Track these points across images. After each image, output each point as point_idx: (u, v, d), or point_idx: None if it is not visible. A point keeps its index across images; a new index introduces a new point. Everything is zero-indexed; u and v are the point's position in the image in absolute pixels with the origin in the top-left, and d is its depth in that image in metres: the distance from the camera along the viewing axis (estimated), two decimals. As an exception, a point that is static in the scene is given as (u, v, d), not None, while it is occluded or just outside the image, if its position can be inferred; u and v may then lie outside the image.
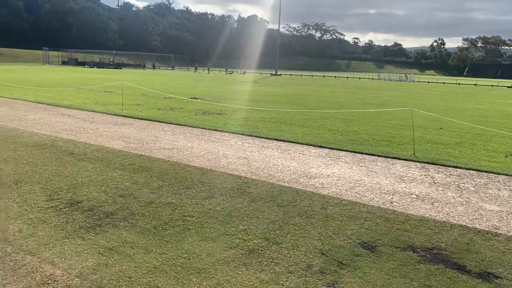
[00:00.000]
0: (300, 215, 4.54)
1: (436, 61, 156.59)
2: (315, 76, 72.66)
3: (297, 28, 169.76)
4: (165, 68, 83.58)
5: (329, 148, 8.25)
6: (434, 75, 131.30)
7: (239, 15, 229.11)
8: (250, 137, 9.21)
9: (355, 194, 5.37)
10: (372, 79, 70.94)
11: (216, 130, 9.90)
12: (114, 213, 4.41)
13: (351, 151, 8.02)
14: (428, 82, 66.84)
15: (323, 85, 39.62)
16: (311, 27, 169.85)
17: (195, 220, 4.29)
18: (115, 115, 11.69)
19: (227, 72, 68.59)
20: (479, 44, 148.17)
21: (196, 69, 73.65)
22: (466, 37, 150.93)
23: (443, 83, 64.80)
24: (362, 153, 7.91)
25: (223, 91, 23.73)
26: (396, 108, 16.97)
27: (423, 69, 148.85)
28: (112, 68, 64.51)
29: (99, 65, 68.38)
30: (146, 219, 4.27)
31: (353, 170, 6.60)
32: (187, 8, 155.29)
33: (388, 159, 7.50)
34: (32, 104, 13.42)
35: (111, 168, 6.18)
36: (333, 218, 4.51)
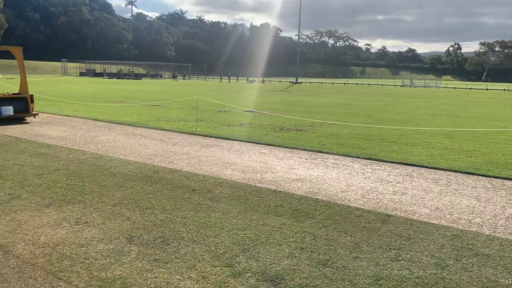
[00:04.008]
0: None
1: (453, 66, 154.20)
2: (336, 84, 71.15)
3: (309, 35, 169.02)
4: (181, 78, 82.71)
5: (478, 175, 6.79)
6: (452, 80, 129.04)
7: (251, 23, 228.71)
8: (369, 160, 7.79)
9: None
10: (396, 85, 69.24)
11: (321, 152, 8.51)
12: (349, 300, 3.01)
13: (508, 179, 6.56)
14: (454, 88, 64.92)
15: (360, 93, 38.12)
16: (323, 34, 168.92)
17: (481, 314, 2.87)
18: (190, 134, 10.37)
19: (248, 81, 67.45)
20: (497, 48, 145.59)
21: (221, 78, 73.51)
22: (483, 41, 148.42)
23: (470, 88, 62.87)
24: (530, 182, 6.44)
25: (267, 102, 22.41)
26: (500, 129, 15.44)
27: (439, 74, 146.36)
28: (131, 79, 63.76)
29: (119, 76, 67.73)
30: (407, 313, 2.86)
31: (560, 210, 5.14)
32: (200, 17, 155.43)
33: None
34: (90, 122, 12.17)
35: (260, 212, 4.80)
36: None
